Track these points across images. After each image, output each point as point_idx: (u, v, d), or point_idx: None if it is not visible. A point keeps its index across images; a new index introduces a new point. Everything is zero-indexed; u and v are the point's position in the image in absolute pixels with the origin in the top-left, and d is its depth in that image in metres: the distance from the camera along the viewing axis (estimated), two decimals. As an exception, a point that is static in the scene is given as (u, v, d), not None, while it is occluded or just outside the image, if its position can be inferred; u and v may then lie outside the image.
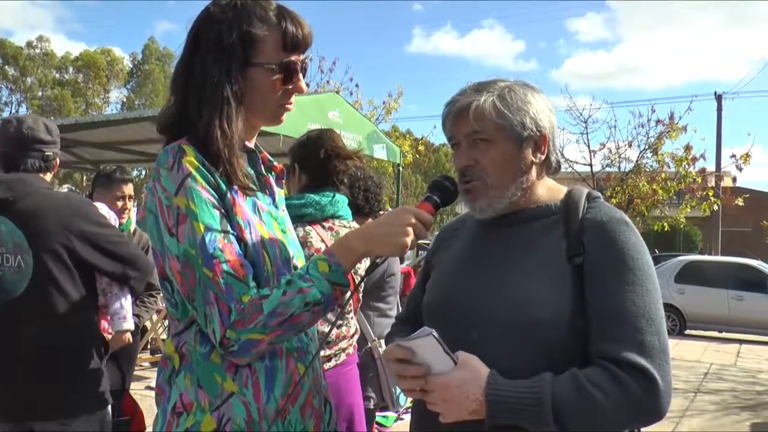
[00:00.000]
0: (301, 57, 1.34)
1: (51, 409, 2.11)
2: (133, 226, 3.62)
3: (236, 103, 1.28)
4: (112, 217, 2.76)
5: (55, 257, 2.12)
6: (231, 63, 1.27)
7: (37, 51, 51.18)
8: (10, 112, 50.11)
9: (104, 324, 2.58)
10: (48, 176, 2.34)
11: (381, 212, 3.24)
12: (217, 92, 1.26)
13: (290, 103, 1.36)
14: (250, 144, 1.40)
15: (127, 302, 2.54)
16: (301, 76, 1.34)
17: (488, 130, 1.33)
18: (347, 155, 2.37)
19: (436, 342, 1.19)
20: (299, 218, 2.22)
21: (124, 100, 53.69)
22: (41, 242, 2.11)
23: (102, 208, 2.70)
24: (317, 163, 2.33)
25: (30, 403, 2.10)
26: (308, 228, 2.24)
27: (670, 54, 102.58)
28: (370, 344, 3.00)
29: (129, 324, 2.57)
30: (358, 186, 3.05)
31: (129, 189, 3.57)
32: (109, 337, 2.66)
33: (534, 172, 1.38)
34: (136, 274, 2.37)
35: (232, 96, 1.27)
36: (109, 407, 2.34)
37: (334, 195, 2.35)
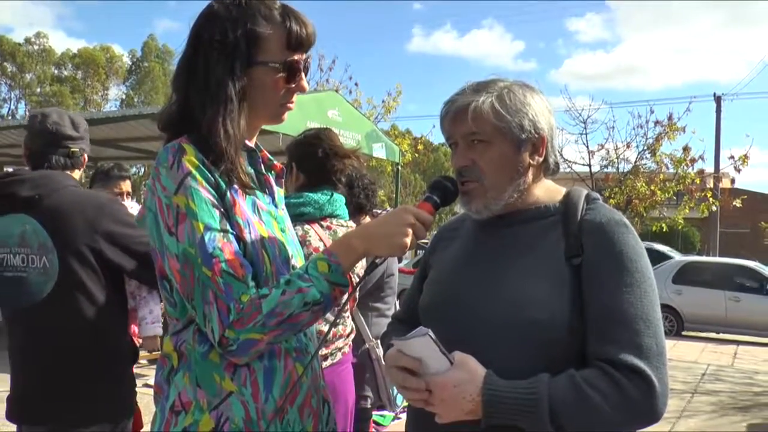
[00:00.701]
0: (304, 56, 1.34)
1: (73, 413, 2.03)
2: None
3: (240, 102, 1.27)
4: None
5: (81, 258, 2.03)
6: (235, 61, 1.27)
7: (35, 47, 51.07)
8: (9, 109, 50.05)
9: (134, 328, 2.47)
10: (76, 173, 2.24)
11: (378, 210, 3.25)
12: (220, 90, 1.26)
13: (292, 102, 1.36)
14: (251, 143, 1.40)
15: (156, 306, 2.43)
16: (303, 75, 1.34)
17: (486, 132, 1.33)
18: (345, 154, 2.37)
19: (432, 342, 1.19)
20: (297, 217, 2.22)
21: (123, 97, 53.62)
22: (66, 242, 2.03)
23: (132, 207, 2.64)
24: (316, 162, 2.33)
25: (53, 406, 2.03)
26: (306, 227, 2.24)
27: (670, 54, 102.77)
28: (367, 344, 3.00)
29: (158, 329, 2.44)
30: (358, 185, 3.07)
31: (126, 186, 3.55)
32: (139, 341, 2.56)
33: (531, 174, 1.38)
34: None
35: (236, 94, 1.27)
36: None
37: (333, 194, 2.35)
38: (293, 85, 1.33)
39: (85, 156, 2.28)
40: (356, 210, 3.04)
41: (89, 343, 2.05)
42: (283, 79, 1.31)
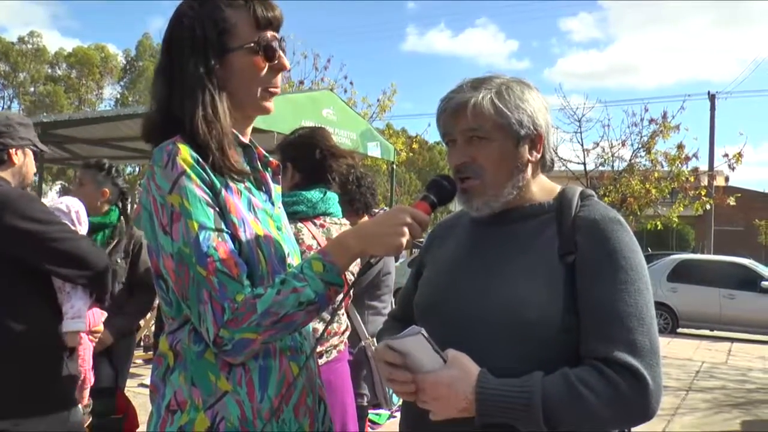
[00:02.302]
0: (278, 36, 1.34)
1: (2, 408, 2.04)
2: None
3: (217, 90, 1.28)
4: (73, 210, 2.60)
5: None
6: (207, 53, 1.27)
7: (29, 46, 50.84)
8: (3, 107, 49.80)
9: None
10: (6, 173, 2.23)
11: (376, 210, 3.27)
12: (196, 83, 1.26)
13: (276, 87, 1.35)
14: (245, 139, 1.39)
15: (79, 302, 2.35)
16: (282, 53, 1.34)
17: (486, 128, 1.33)
18: (341, 154, 2.38)
19: (425, 340, 1.19)
20: (291, 215, 2.22)
21: (118, 96, 53.41)
22: None
23: (61, 202, 2.56)
24: (313, 162, 2.33)
25: None
26: (299, 225, 2.25)
27: (663, 53, 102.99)
28: (363, 342, 3.00)
29: (78, 325, 2.34)
30: (364, 184, 3.12)
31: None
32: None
33: (529, 170, 1.38)
34: (84, 272, 2.23)
35: (212, 84, 1.27)
36: (80, 407, 2.25)
37: (326, 192, 2.35)
38: (274, 63, 1.33)
39: (14, 151, 2.24)
40: (363, 208, 3.10)
41: (6, 340, 2.05)
42: (261, 58, 1.31)
